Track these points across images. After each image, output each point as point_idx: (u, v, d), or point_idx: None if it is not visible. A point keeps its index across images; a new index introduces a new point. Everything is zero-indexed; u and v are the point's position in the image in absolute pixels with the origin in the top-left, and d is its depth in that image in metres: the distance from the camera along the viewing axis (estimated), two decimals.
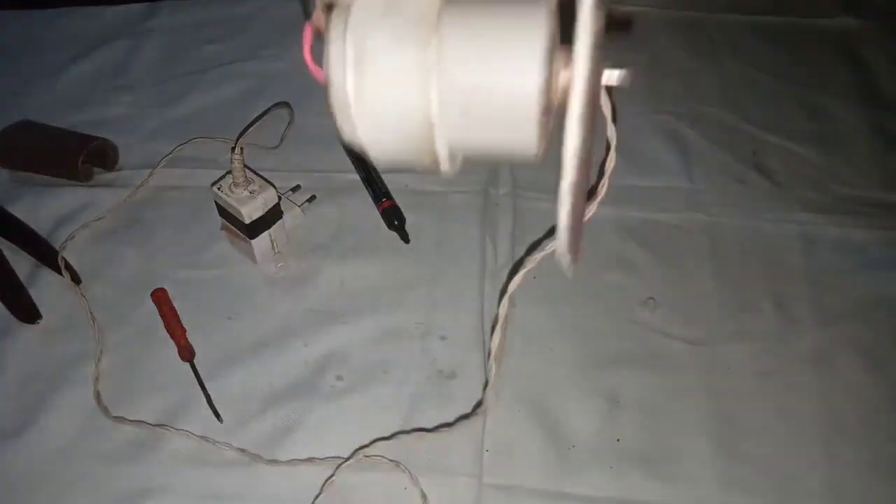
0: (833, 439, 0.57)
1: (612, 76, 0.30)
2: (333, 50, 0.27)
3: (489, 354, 0.56)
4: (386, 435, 0.58)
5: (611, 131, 0.37)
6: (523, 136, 0.27)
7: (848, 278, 0.66)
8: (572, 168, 0.26)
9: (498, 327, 0.50)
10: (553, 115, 0.28)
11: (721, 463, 0.56)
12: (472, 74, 0.27)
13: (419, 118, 0.27)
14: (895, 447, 0.57)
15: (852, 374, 0.61)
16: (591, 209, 0.40)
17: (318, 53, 0.29)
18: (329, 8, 0.28)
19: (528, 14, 0.27)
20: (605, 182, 0.39)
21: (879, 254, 0.68)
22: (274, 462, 0.57)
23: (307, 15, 0.30)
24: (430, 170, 0.29)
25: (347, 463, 0.56)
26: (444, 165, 0.29)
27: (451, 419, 0.59)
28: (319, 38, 0.28)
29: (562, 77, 0.28)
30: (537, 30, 0.26)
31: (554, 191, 0.28)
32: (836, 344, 0.62)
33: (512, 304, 0.65)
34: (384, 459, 0.56)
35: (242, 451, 0.57)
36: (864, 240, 0.69)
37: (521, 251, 0.68)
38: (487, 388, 0.58)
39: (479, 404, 0.59)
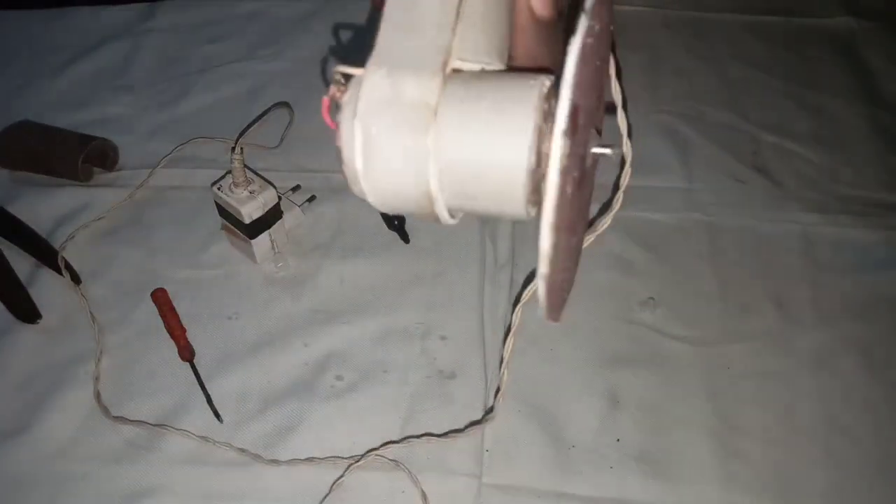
0: (833, 439, 0.57)
1: (602, 151, 0.33)
2: (345, 132, 0.31)
3: (501, 361, 0.56)
4: (385, 434, 0.58)
5: (627, 147, 0.39)
6: (514, 208, 0.31)
7: (848, 278, 0.66)
8: (546, 263, 0.29)
9: (510, 337, 0.54)
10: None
11: (721, 463, 0.56)
12: (467, 159, 0.30)
13: (420, 193, 0.31)
14: (895, 447, 0.57)
15: (852, 374, 0.61)
16: (606, 221, 0.44)
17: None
18: (345, 77, 0.31)
19: (519, 102, 0.29)
20: (619, 196, 0.42)
21: (879, 254, 0.68)
22: (274, 462, 0.57)
23: (326, 82, 0.32)
24: (435, 221, 0.33)
25: (357, 464, 0.56)
26: (446, 222, 0.33)
27: (451, 419, 0.59)
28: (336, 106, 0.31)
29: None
30: (526, 121, 0.29)
31: None
32: (836, 344, 0.62)
33: (512, 304, 0.65)
34: (384, 459, 0.56)
35: (242, 451, 0.57)
36: (864, 240, 0.69)
37: (521, 251, 0.68)
38: (498, 395, 0.58)
39: (490, 410, 0.59)
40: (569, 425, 0.58)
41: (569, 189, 0.29)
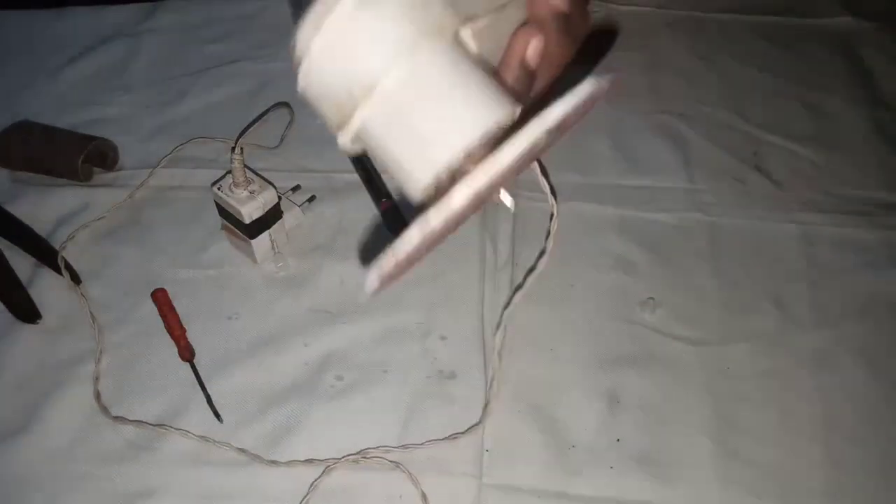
0: (833, 439, 0.57)
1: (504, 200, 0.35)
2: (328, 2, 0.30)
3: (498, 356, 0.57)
4: (385, 434, 0.58)
5: (551, 202, 0.42)
6: (410, 188, 0.32)
7: (848, 278, 0.66)
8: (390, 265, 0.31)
9: (498, 334, 0.55)
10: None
11: (721, 463, 0.56)
12: (403, 116, 0.30)
13: (352, 90, 0.30)
14: (895, 447, 0.57)
15: (852, 374, 0.61)
16: (541, 265, 0.46)
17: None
18: None
19: (472, 118, 0.30)
20: (550, 243, 0.44)
21: (879, 254, 0.68)
22: (274, 462, 0.57)
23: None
24: (334, 132, 0.33)
25: (343, 464, 0.56)
26: (344, 138, 0.32)
27: (451, 419, 0.59)
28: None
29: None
30: (464, 138, 0.30)
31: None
32: (836, 344, 0.62)
33: (512, 304, 0.65)
34: (384, 460, 0.56)
35: (242, 451, 0.57)
36: (864, 240, 0.69)
37: (521, 251, 0.68)
38: (491, 389, 0.58)
39: (486, 409, 0.59)
40: (569, 425, 0.58)
41: (451, 227, 0.31)
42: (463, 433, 0.58)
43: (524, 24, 0.34)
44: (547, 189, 0.41)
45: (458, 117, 0.30)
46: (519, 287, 0.51)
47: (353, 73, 0.31)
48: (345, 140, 0.33)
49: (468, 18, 0.32)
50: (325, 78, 0.31)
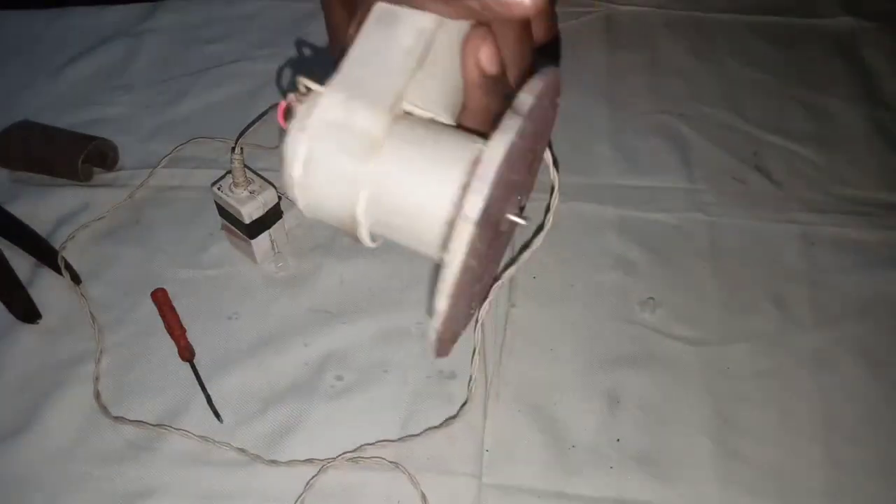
0: (833, 439, 0.57)
1: (517, 220, 0.36)
2: (291, 142, 0.33)
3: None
4: (385, 434, 0.58)
5: (553, 175, 0.42)
6: (427, 250, 0.34)
7: (848, 278, 0.66)
8: (440, 321, 0.32)
9: (482, 312, 0.56)
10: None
11: (721, 463, 0.56)
12: (395, 195, 0.33)
13: (347, 215, 0.34)
14: (895, 447, 0.57)
15: (852, 374, 0.61)
16: (538, 242, 0.46)
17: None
18: (307, 89, 0.33)
19: (453, 160, 0.32)
20: (549, 218, 0.44)
21: (879, 254, 0.68)
22: (274, 462, 0.57)
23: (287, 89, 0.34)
24: (356, 242, 0.36)
25: (341, 463, 0.56)
26: (367, 244, 0.36)
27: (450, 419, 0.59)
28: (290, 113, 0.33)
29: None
30: (454, 177, 0.31)
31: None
32: (836, 344, 0.62)
33: (512, 304, 0.65)
34: (383, 460, 0.56)
35: (242, 451, 0.57)
36: (864, 240, 0.69)
37: (521, 251, 0.68)
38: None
39: (464, 404, 0.59)
40: (569, 425, 0.58)
41: (473, 261, 0.32)
42: (463, 433, 0.58)
43: (470, 30, 0.34)
44: (550, 160, 0.41)
45: (438, 175, 0.32)
46: (513, 261, 0.51)
47: (336, 198, 0.33)
48: (366, 240, 0.35)
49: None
50: (319, 208, 0.34)
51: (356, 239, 0.35)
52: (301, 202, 0.34)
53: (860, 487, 0.55)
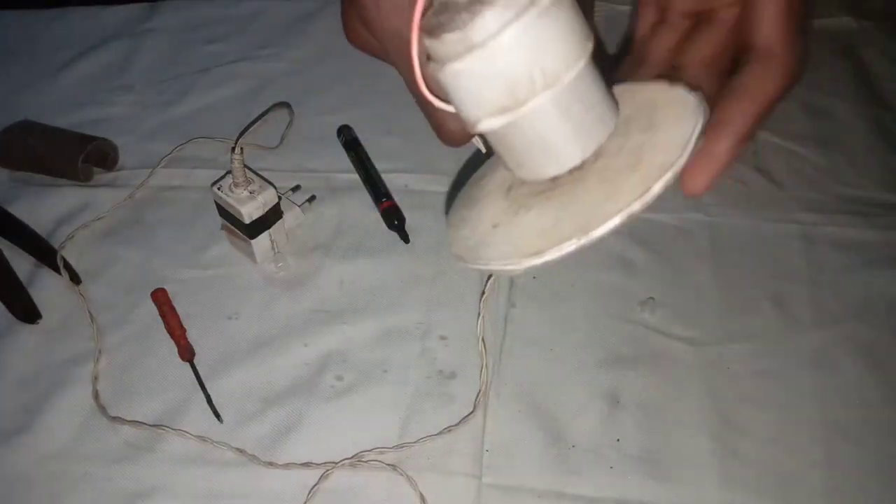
0: (833, 439, 0.57)
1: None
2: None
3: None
4: (385, 434, 0.58)
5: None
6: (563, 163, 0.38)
7: (848, 278, 0.66)
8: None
9: (485, 297, 0.58)
10: None
11: (721, 463, 0.56)
12: (585, 99, 0.37)
13: (537, 77, 0.34)
14: (895, 447, 0.57)
15: (852, 374, 0.61)
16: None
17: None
18: None
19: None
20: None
21: (879, 254, 0.68)
22: (273, 463, 0.57)
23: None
24: (478, 117, 0.35)
25: (343, 466, 0.56)
26: (495, 123, 0.35)
27: (451, 419, 0.59)
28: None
29: None
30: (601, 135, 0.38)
31: None
32: (836, 344, 0.62)
33: (512, 304, 0.65)
34: (383, 463, 0.56)
35: (241, 451, 0.57)
36: (864, 240, 0.69)
37: None
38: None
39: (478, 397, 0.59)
40: (569, 425, 0.58)
41: None
42: (462, 433, 0.58)
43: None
44: None
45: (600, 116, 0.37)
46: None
47: (541, 60, 0.34)
48: (491, 125, 0.35)
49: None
50: (507, 59, 0.33)
51: (486, 113, 0.35)
52: (509, 28, 0.33)
53: (860, 487, 0.55)
